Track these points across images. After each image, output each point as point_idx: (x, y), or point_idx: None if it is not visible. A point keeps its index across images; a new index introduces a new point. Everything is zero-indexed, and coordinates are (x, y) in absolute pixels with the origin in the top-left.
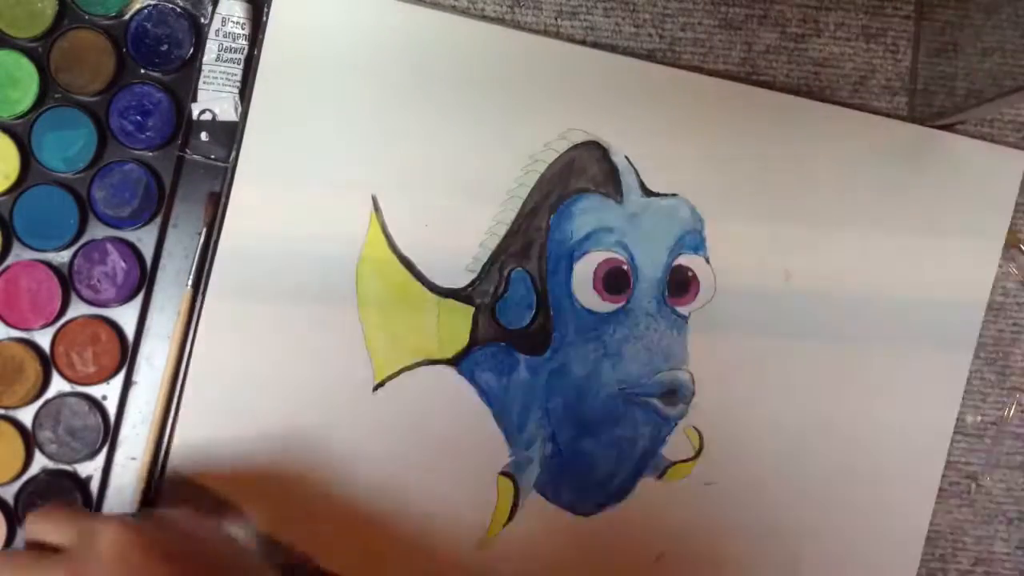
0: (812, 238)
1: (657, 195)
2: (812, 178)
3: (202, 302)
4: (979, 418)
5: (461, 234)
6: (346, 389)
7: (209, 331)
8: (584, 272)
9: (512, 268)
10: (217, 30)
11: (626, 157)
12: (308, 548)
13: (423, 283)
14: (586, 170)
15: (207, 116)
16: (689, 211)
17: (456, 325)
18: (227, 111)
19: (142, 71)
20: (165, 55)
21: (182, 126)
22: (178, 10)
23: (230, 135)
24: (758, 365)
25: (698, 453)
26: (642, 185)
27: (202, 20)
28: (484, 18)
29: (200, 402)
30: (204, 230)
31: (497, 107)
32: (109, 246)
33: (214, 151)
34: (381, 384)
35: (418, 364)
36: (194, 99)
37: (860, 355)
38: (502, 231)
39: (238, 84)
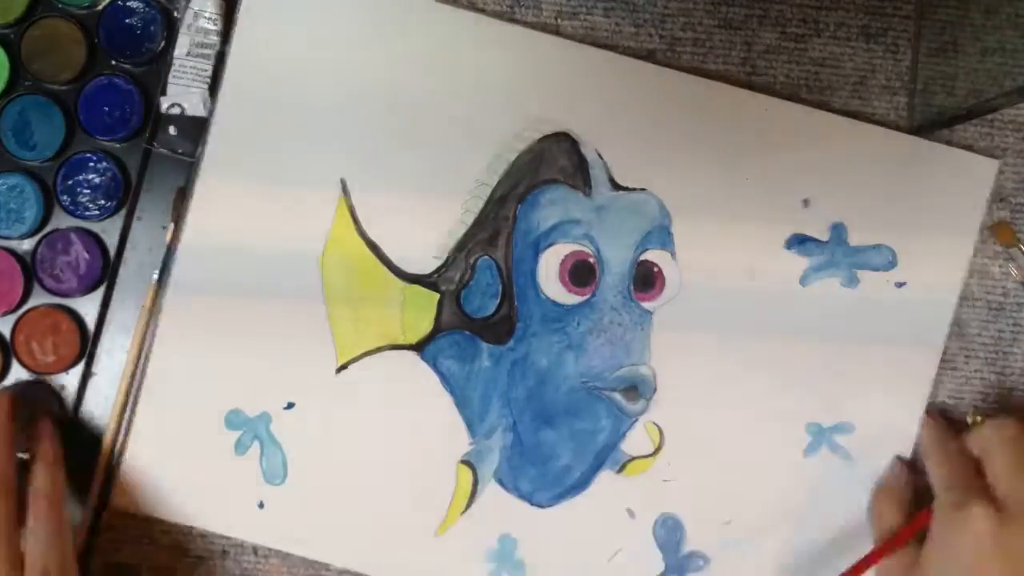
0: (778, 238)
1: (626, 189)
2: (780, 178)
3: (164, 295)
4: (979, 418)
5: (429, 221)
6: (308, 371)
7: (170, 323)
8: (550, 263)
9: (479, 256)
10: (189, 25)
11: (596, 150)
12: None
13: (389, 268)
14: (555, 161)
15: (176, 110)
16: (657, 206)
17: (421, 311)
18: (196, 106)
19: (113, 62)
20: (136, 47)
21: (150, 119)
22: (151, 2)
23: (198, 130)
24: (721, 363)
25: (657, 449)
26: (611, 179)
27: (175, 14)
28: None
29: (159, 395)
30: (172, 225)
31: (468, 95)
32: (73, 236)
33: (181, 145)
34: (344, 367)
35: (381, 348)
36: (163, 92)
37: (824, 355)
38: (470, 219)
39: (208, 80)
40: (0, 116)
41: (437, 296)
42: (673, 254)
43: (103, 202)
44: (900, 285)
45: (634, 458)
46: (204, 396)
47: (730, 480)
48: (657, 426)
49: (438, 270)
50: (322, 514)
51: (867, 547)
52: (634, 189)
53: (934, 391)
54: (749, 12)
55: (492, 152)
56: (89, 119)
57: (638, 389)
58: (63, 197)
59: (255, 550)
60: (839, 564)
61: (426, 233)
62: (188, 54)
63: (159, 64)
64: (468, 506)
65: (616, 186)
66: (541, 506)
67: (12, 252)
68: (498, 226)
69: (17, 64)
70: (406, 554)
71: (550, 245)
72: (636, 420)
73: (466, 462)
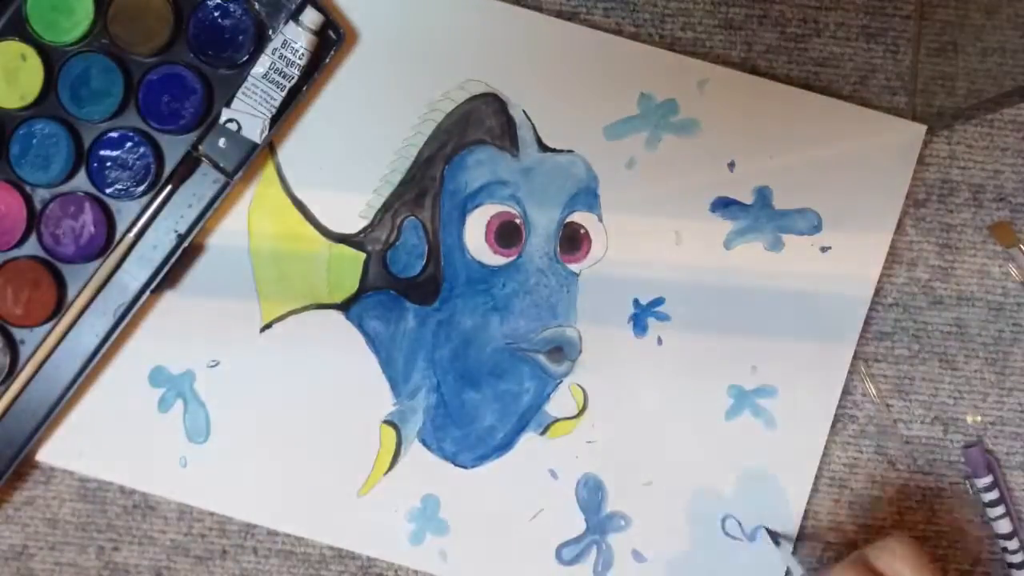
0: (703, 201)
1: (553, 151)
2: (707, 140)
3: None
4: (979, 418)
5: (356, 180)
6: (233, 330)
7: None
8: (476, 224)
9: (405, 217)
10: (275, 49)
11: (524, 111)
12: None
13: (316, 227)
14: (483, 122)
15: (232, 126)
16: (584, 168)
17: (347, 271)
18: (252, 130)
19: (191, 55)
20: (219, 50)
21: (205, 124)
22: (249, 13)
23: (247, 153)
24: (645, 325)
25: (581, 411)
26: (539, 140)
27: (269, 32)
28: None
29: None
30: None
31: (396, 54)
32: (87, 204)
33: (225, 160)
34: (268, 326)
35: (307, 308)
36: (228, 104)
37: (748, 318)
38: (397, 179)
39: (274, 109)
40: (65, 64)
41: (363, 256)
42: (600, 216)
43: (129, 184)
44: (825, 249)
45: (558, 420)
46: (129, 352)
47: (653, 442)
48: (581, 388)
49: (364, 230)
50: (245, 473)
51: (788, 510)
52: (561, 151)
53: (935, 388)
54: (749, 12)
55: (420, 112)
56: (146, 100)
57: (563, 351)
58: (92, 163)
59: (255, 550)
60: (759, 527)
61: (353, 193)
62: (264, 76)
63: (235, 74)
64: (391, 466)
65: (544, 147)
66: (464, 467)
67: (27, 198)
68: (425, 186)
69: (101, 20)
70: (329, 513)
71: (477, 206)
72: (561, 382)
73: (389, 422)
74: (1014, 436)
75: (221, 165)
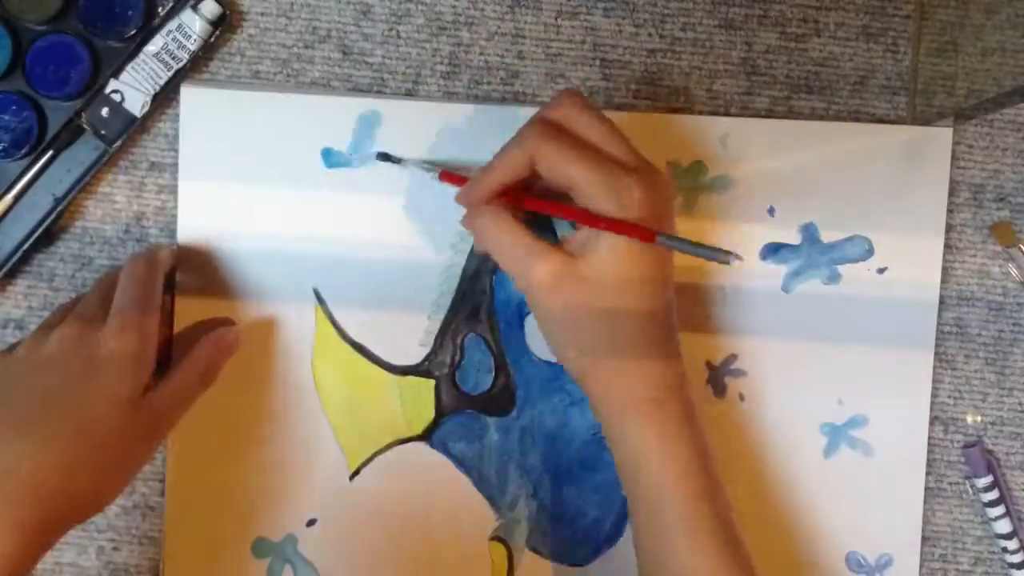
0: (752, 251)
1: None
2: (742, 192)
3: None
4: (979, 418)
5: (408, 311)
6: (323, 484)
7: (181, 460)
8: (536, 325)
9: (464, 335)
10: (170, 31)
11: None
12: None
13: (380, 365)
14: None
15: (116, 96)
16: None
17: (420, 400)
18: (134, 103)
19: (81, 25)
20: (108, 23)
21: (90, 92)
22: None
23: (127, 125)
24: (723, 385)
25: None
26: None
27: (159, 10)
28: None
29: (184, 533)
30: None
31: (417, 178)
32: None
33: (106, 129)
34: (356, 472)
35: (390, 445)
36: (116, 75)
37: (822, 355)
38: (447, 301)
39: (159, 87)
40: None
41: (432, 382)
42: None
43: (9, 146)
44: (882, 271)
45: None
46: (227, 529)
47: (759, 497)
48: None
49: (428, 357)
50: None
51: (908, 526)
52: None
53: (935, 388)
54: (749, 12)
55: (455, 230)
56: (33, 66)
57: None
58: None
59: None
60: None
61: (408, 323)
62: (156, 55)
63: (122, 47)
64: None
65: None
66: (581, 564)
67: None
68: (477, 301)
69: None
70: None
71: None
72: None
73: (496, 538)
74: (1014, 436)
75: (103, 133)
